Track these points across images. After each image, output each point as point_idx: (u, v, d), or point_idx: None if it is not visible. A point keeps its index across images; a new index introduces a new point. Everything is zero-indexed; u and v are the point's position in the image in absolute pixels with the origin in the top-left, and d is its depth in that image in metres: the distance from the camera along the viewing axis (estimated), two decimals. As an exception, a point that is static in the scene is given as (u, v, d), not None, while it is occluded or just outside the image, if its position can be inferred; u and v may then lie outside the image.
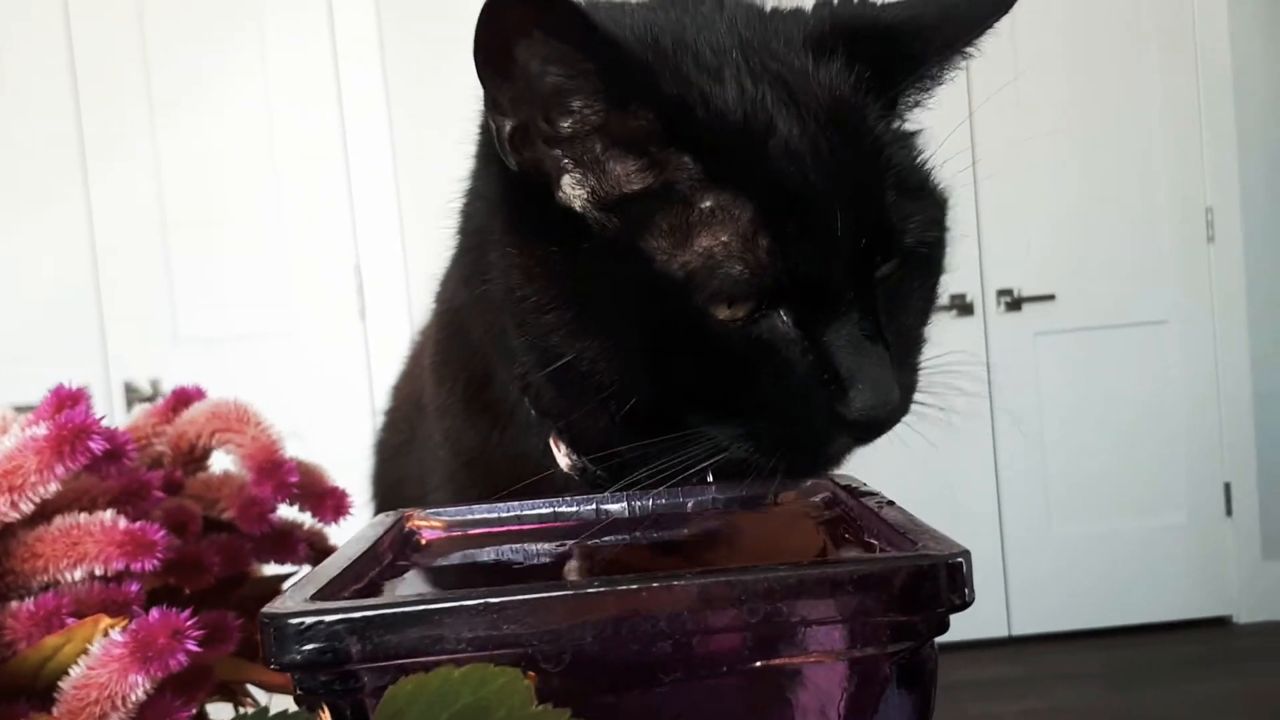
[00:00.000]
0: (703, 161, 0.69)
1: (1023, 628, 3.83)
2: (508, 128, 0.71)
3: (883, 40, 0.75)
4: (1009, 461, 3.81)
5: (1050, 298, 3.85)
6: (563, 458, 0.82)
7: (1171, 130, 3.88)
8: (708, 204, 0.68)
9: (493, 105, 0.70)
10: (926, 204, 0.75)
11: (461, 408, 0.90)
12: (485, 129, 0.79)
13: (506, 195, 0.74)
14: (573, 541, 0.67)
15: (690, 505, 0.71)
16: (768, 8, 0.81)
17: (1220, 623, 3.96)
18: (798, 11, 0.81)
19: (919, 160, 0.77)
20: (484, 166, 0.80)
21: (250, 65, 3.31)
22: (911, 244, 0.73)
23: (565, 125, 0.70)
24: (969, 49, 0.78)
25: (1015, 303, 3.82)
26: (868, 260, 0.70)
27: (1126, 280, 3.90)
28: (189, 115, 3.30)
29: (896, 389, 0.70)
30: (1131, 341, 3.90)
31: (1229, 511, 3.96)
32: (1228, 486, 3.95)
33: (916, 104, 0.79)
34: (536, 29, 0.65)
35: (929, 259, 0.77)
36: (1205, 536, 3.96)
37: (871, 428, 0.70)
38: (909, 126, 0.79)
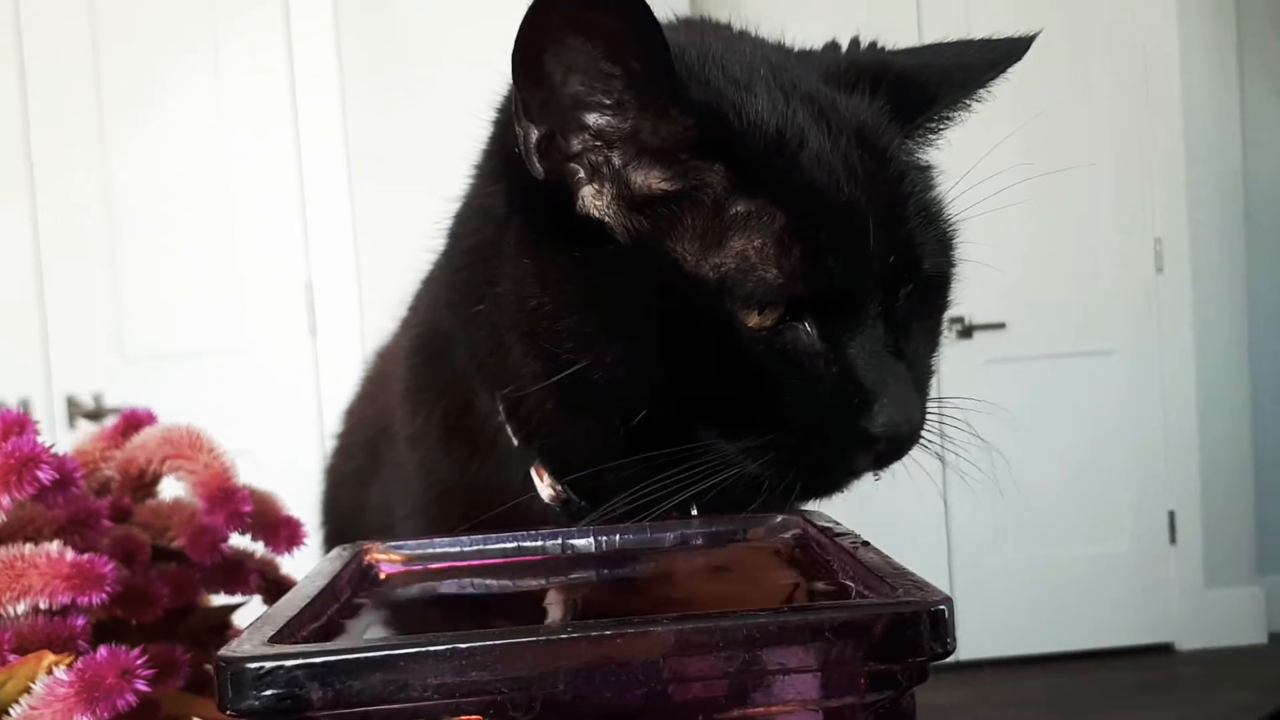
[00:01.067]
0: (735, 169, 0.68)
1: (968, 653, 3.84)
2: (535, 135, 0.70)
3: (898, 80, 0.77)
4: (957, 487, 3.83)
5: (1001, 326, 3.88)
6: (545, 487, 0.80)
7: (1122, 162, 3.93)
8: (740, 208, 0.68)
9: (523, 110, 0.69)
10: (941, 234, 0.76)
11: (438, 436, 0.87)
12: (494, 143, 0.79)
13: (523, 206, 0.73)
14: (535, 579, 0.65)
15: (659, 541, 0.69)
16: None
17: (1163, 650, 4.00)
18: (811, 51, 0.81)
19: (934, 192, 0.77)
20: (489, 182, 0.79)
21: (204, 78, 3.27)
22: (928, 271, 0.73)
23: (594, 131, 0.69)
24: (982, 92, 0.80)
25: (967, 330, 3.85)
26: (895, 278, 0.70)
27: (1076, 310, 3.94)
28: (140, 127, 3.25)
29: (919, 406, 0.70)
30: (1080, 370, 3.95)
31: (1173, 539, 4.00)
32: (1172, 515, 4.00)
33: (927, 144, 0.80)
34: (575, 34, 0.64)
35: (940, 289, 0.77)
36: (1149, 564, 4.00)
37: (894, 443, 0.69)
38: (922, 162, 0.80)
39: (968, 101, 0.80)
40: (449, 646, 0.44)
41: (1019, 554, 3.93)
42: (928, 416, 0.73)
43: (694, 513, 0.72)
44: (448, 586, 0.65)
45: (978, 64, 0.79)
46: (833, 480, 0.71)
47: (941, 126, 0.80)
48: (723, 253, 0.67)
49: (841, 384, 0.68)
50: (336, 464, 1.16)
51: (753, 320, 0.67)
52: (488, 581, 0.65)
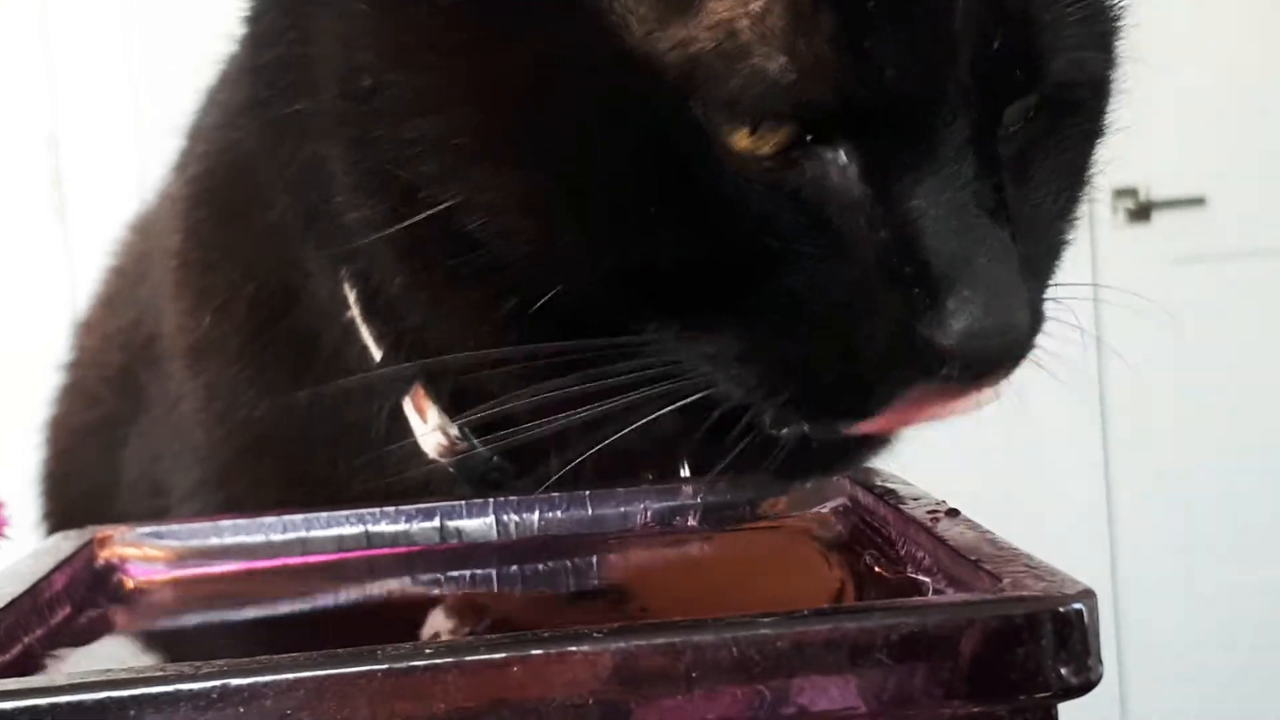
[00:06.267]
0: None
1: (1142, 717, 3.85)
2: None
3: None
4: (1126, 462, 3.80)
5: (1198, 202, 3.85)
6: (430, 431, 0.78)
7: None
8: None
9: None
10: (1093, 16, 0.71)
11: (242, 344, 0.85)
12: None
13: None
14: (396, 587, 0.64)
15: (614, 522, 0.68)
16: None
17: None
18: None
19: None
20: None
21: None
22: (1064, 74, 0.68)
23: None
24: None
25: (1142, 210, 3.81)
26: (998, 82, 0.65)
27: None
28: None
29: (1025, 304, 0.64)
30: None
31: None
32: None
33: None
34: None
35: (1088, 107, 0.74)
36: None
37: (976, 365, 0.63)
38: None
39: None
40: (218, 683, 0.42)
41: (1229, 571, 3.93)
42: (1044, 320, 0.69)
43: (684, 473, 0.70)
44: (248, 608, 0.64)
45: None
46: (863, 417, 0.65)
47: None
48: (695, 21, 0.61)
49: (893, 258, 0.63)
50: (66, 413, 1.15)
51: (742, 141, 0.62)
52: (318, 593, 0.64)
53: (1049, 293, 0.73)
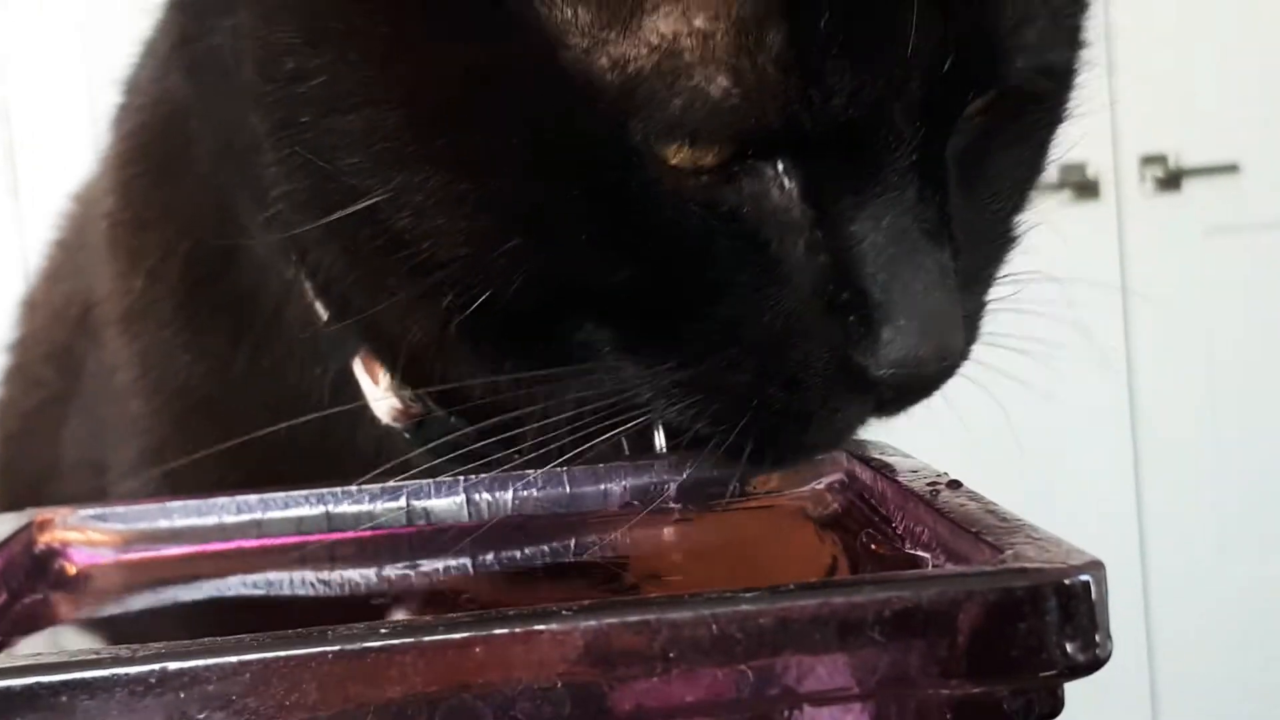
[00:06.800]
0: None
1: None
2: None
3: None
4: (1155, 441, 3.78)
5: (1231, 169, 3.82)
6: (382, 394, 0.77)
7: None
8: None
9: None
10: (1061, 9, 0.70)
11: (176, 307, 0.84)
12: None
13: None
14: (362, 571, 0.63)
15: (591, 500, 0.68)
16: None
17: None
18: None
19: None
20: None
21: None
22: (1025, 72, 0.68)
23: None
24: None
25: (1172, 178, 3.78)
26: (950, 99, 0.65)
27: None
28: None
29: (959, 331, 0.65)
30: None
31: None
32: None
33: None
34: None
35: (1047, 99, 0.74)
36: None
37: (905, 391, 0.66)
38: None
39: None
40: (153, 667, 0.41)
41: (1266, 564, 3.90)
42: (980, 332, 0.71)
43: (660, 445, 0.70)
44: (201, 589, 0.63)
45: None
46: (801, 440, 0.67)
47: None
48: (636, 38, 0.60)
49: (830, 283, 0.63)
50: (12, 396, 1.15)
51: (679, 157, 0.62)
52: (272, 577, 0.63)
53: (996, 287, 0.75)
